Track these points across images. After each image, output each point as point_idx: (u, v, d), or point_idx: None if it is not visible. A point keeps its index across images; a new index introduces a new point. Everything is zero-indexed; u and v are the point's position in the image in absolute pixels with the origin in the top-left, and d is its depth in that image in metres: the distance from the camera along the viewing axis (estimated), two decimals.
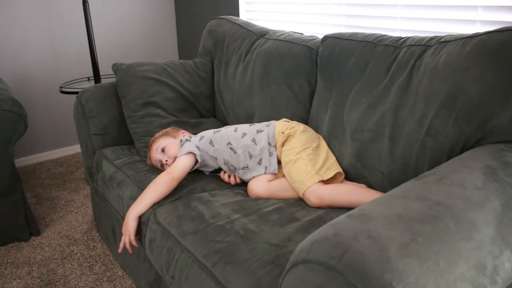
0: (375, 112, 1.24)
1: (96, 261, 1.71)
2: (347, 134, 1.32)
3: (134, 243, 1.28)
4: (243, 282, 0.92)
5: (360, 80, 1.30)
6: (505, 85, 0.97)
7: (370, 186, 1.28)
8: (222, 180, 1.44)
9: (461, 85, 1.04)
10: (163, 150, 1.46)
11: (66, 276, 1.63)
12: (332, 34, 1.46)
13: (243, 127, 1.46)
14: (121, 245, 1.28)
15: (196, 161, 1.38)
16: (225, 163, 1.41)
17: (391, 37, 1.31)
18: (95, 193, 1.78)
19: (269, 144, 1.39)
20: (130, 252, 1.31)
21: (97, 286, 1.57)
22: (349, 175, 1.33)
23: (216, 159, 1.42)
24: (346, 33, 1.42)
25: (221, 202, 1.25)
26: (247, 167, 1.39)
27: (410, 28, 1.63)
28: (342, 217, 0.71)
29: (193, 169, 1.40)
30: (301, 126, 1.42)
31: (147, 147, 1.56)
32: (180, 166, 1.34)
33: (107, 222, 1.69)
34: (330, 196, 1.21)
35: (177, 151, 1.44)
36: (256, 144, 1.39)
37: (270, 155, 1.38)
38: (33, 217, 1.87)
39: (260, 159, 1.38)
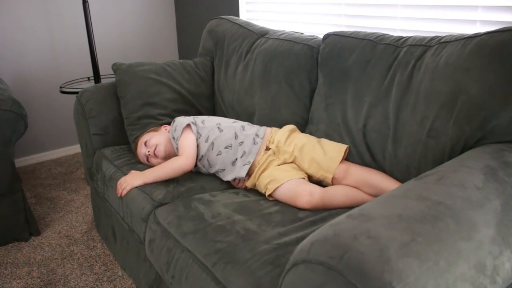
0: (377, 111, 1.24)
1: (96, 261, 1.71)
2: (349, 133, 1.32)
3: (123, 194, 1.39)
4: (243, 282, 0.92)
5: (361, 77, 1.30)
6: (505, 85, 0.97)
7: None
8: (223, 180, 1.44)
9: (461, 85, 1.04)
10: (146, 144, 1.52)
11: (66, 276, 1.63)
12: (334, 32, 1.47)
13: (237, 120, 1.53)
14: (119, 188, 1.39)
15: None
16: (206, 140, 1.42)
17: (392, 36, 1.31)
18: (95, 193, 1.78)
19: (257, 135, 1.42)
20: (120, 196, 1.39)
21: (97, 286, 1.57)
22: None
23: (201, 135, 1.44)
24: (348, 31, 1.43)
25: (221, 202, 1.25)
26: (230, 146, 1.39)
27: (410, 28, 1.63)
28: (342, 217, 0.71)
29: (171, 151, 1.47)
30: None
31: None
32: (186, 146, 1.38)
33: (107, 222, 1.69)
34: (357, 175, 1.24)
35: (158, 140, 1.50)
36: (244, 130, 1.44)
37: (254, 143, 1.39)
38: (33, 217, 1.87)
39: (242, 142, 1.40)
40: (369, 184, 1.22)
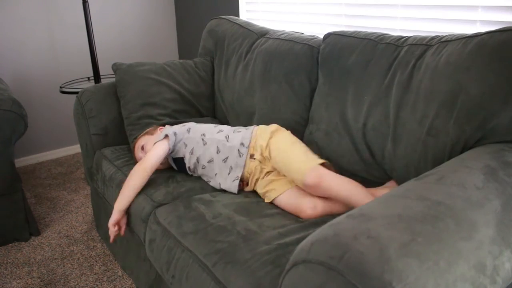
0: (376, 110, 1.24)
1: (96, 261, 1.71)
2: (349, 132, 1.33)
3: (121, 234, 1.37)
4: (243, 282, 0.92)
5: (361, 77, 1.30)
6: (505, 85, 0.97)
7: (369, 185, 1.28)
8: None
9: (461, 84, 1.04)
10: (142, 148, 1.52)
11: (66, 276, 1.63)
12: (335, 32, 1.47)
13: (224, 127, 1.48)
14: (111, 236, 1.36)
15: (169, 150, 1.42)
16: (191, 152, 1.41)
17: (392, 35, 1.31)
18: (95, 193, 1.78)
19: (242, 144, 1.36)
20: (112, 240, 1.37)
21: (97, 286, 1.57)
22: (349, 173, 1.33)
23: (186, 146, 1.43)
24: (349, 31, 1.43)
25: (222, 202, 1.25)
26: (212, 161, 1.38)
27: (410, 28, 1.63)
28: (342, 217, 0.71)
29: (165, 157, 1.43)
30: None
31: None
32: (151, 156, 1.37)
33: (107, 222, 1.69)
34: (330, 179, 1.17)
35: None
36: (228, 141, 1.38)
37: (240, 155, 1.35)
38: (33, 217, 1.87)
39: (227, 158, 1.36)
40: (336, 196, 1.18)
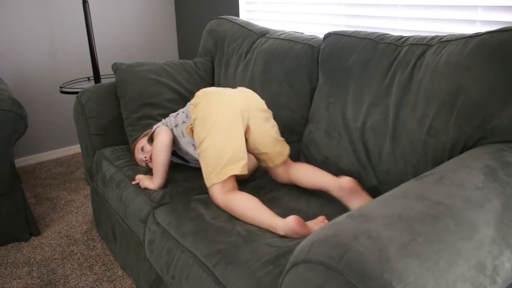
0: (376, 110, 1.24)
1: (96, 261, 1.71)
2: (348, 132, 1.32)
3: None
4: (243, 282, 0.92)
5: (361, 76, 1.30)
6: (505, 85, 0.97)
7: (369, 184, 1.28)
8: None
9: (462, 84, 1.04)
10: (142, 149, 1.52)
11: (66, 276, 1.63)
12: (335, 31, 1.47)
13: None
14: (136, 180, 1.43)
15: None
16: (176, 125, 1.42)
17: (392, 35, 1.31)
18: (95, 193, 1.78)
19: (186, 116, 1.38)
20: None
21: (97, 286, 1.57)
22: (348, 173, 1.33)
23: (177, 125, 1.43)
24: (349, 31, 1.43)
25: None
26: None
27: (410, 28, 1.63)
28: (342, 217, 0.71)
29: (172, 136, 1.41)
30: (209, 98, 1.27)
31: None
32: (161, 135, 1.37)
33: (107, 222, 1.69)
34: (231, 202, 1.15)
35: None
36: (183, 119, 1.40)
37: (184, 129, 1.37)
38: (33, 217, 1.87)
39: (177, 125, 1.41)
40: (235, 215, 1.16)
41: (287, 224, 1.04)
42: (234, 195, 1.16)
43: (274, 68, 1.58)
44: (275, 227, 1.07)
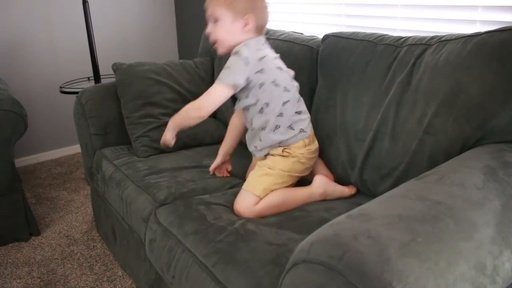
0: (376, 111, 1.24)
1: (96, 261, 1.71)
2: (345, 133, 1.32)
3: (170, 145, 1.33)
4: (243, 282, 0.92)
5: (361, 78, 1.30)
6: (505, 84, 0.97)
7: (369, 184, 1.28)
8: (224, 180, 1.43)
9: (461, 84, 1.04)
10: (216, 21, 1.25)
11: (66, 276, 1.63)
12: (333, 33, 1.46)
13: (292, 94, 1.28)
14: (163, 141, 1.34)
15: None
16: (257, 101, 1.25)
17: (391, 36, 1.31)
18: (95, 193, 1.78)
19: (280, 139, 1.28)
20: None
21: (97, 286, 1.57)
22: (347, 174, 1.33)
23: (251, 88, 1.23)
24: (347, 32, 1.42)
25: (222, 203, 1.25)
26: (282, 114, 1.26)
27: (410, 28, 1.63)
28: (342, 217, 0.71)
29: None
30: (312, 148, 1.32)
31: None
32: (211, 101, 1.23)
33: (107, 222, 1.69)
34: (257, 215, 1.20)
35: (226, 39, 1.26)
36: (282, 115, 1.26)
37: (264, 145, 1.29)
38: (33, 217, 1.87)
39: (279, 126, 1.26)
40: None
41: (318, 183, 1.27)
42: (261, 203, 1.21)
43: None
44: (312, 196, 1.25)
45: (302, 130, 1.28)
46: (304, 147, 1.28)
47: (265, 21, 1.30)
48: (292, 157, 1.27)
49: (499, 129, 0.98)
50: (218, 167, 1.46)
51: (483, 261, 0.65)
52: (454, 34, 1.15)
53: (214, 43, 1.29)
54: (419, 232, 0.64)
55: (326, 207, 1.22)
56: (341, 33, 1.44)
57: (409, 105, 1.15)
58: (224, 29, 1.25)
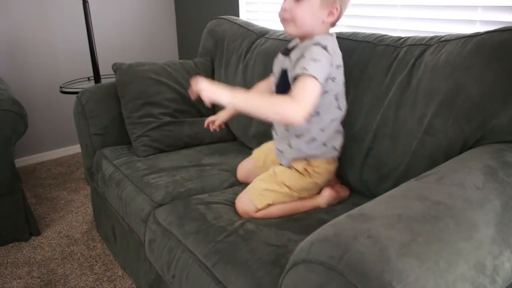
0: (376, 111, 1.24)
1: (96, 261, 1.71)
2: (347, 133, 1.32)
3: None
4: (243, 282, 0.92)
5: (360, 79, 1.30)
6: (505, 84, 0.97)
7: (369, 185, 1.28)
8: (221, 178, 1.43)
9: (461, 84, 1.04)
10: (298, 0, 1.09)
11: (66, 276, 1.63)
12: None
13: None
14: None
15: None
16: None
17: (391, 37, 1.31)
18: (95, 193, 1.78)
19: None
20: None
21: (97, 286, 1.57)
22: (347, 175, 1.33)
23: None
24: (347, 33, 1.42)
25: (221, 202, 1.25)
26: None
27: (410, 28, 1.63)
28: (342, 217, 0.71)
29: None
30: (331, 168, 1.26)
31: None
32: (310, 97, 1.03)
33: (107, 222, 1.69)
34: (262, 217, 1.19)
35: (306, 23, 1.11)
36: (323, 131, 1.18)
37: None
38: (33, 217, 1.87)
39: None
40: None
41: (326, 197, 1.24)
42: (262, 214, 1.19)
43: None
44: (318, 205, 1.24)
45: (334, 148, 1.22)
46: (328, 164, 1.23)
47: (341, 17, 1.18)
48: (310, 178, 1.21)
49: (499, 129, 0.98)
50: (217, 121, 1.41)
51: (483, 261, 0.65)
52: (454, 34, 1.15)
53: (287, 20, 1.12)
54: (419, 232, 0.64)
55: (326, 209, 1.22)
56: (340, 33, 1.44)
57: (409, 106, 1.15)
58: (309, 11, 1.09)
